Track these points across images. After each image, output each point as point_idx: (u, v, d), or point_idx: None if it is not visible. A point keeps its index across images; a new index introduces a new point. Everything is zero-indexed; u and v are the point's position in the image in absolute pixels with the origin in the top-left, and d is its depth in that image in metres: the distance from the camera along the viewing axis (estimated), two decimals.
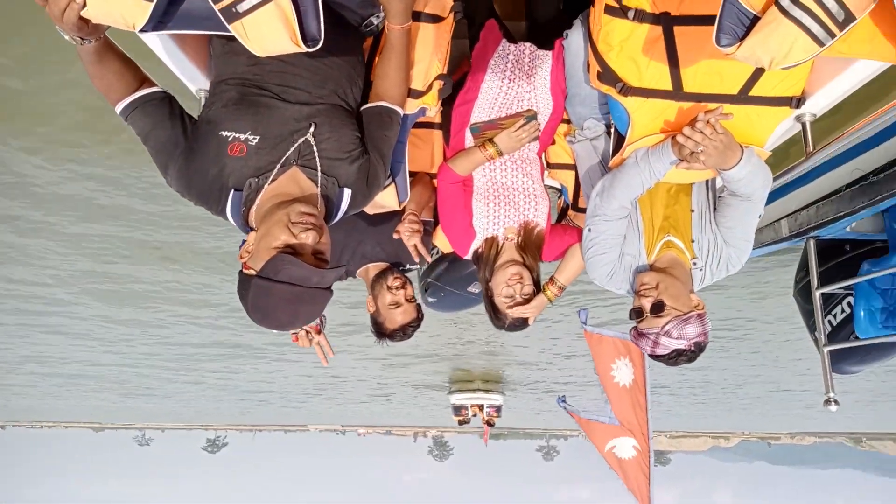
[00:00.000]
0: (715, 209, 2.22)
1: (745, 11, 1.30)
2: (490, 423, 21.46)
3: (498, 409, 20.31)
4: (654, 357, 2.14)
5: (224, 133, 1.59)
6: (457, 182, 2.36)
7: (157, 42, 1.80)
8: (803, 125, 2.09)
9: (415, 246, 2.22)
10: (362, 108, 1.83)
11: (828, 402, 3.27)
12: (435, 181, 2.50)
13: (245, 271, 1.52)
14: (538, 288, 2.32)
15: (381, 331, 2.46)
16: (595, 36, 1.97)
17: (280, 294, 1.44)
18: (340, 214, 1.73)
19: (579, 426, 3.97)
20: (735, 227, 2.14)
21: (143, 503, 79.25)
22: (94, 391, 21.99)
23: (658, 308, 2.02)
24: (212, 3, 1.30)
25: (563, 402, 4.00)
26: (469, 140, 2.37)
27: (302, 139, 1.62)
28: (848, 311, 3.96)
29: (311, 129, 1.64)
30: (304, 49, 1.37)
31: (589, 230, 2.19)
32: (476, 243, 2.38)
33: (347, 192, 1.70)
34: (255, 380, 19.55)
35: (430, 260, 2.41)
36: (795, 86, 1.88)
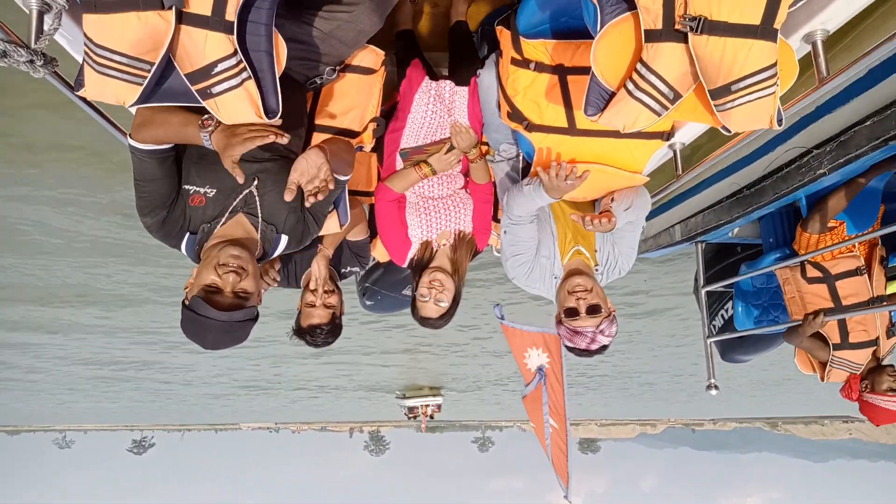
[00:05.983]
0: None
1: (604, 89, 1.70)
2: (431, 416, 23.00)
3: (439, 406, 22.54)
4: (584, 352, 2.45)
5: (187, 187, 1.94)
6: (393, 200, 2.69)
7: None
8: (675, 152, 2.55)
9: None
10: None
11: (709, 387, 3.75)
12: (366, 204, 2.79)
13: (184, 300, 1.85)
14: (457, 299, 2.63)
15: (296, 327, 2.68)
16: (504, 81, 2.36)
17: (202, 324, 1.78)
18: (277, 254, 2.08)
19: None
20: (623, 238, 2.59)
21: None
22: (7, 390, 21.05)
23: (594, 310, 2.38)
24: (189, 85, 1.55)
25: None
26: (399, 163, 2.70)
27: (247, 191, 1.96)
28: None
29: (255, 184, 1.97)
30: (266, 120, 1.65)
31: (504, 233, 2.57)
32: (412, 251, 2.70)
33: (284, 238, 2.05)
34: (183, 379, 19.22)
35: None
36: (665, 123, 2.29)
